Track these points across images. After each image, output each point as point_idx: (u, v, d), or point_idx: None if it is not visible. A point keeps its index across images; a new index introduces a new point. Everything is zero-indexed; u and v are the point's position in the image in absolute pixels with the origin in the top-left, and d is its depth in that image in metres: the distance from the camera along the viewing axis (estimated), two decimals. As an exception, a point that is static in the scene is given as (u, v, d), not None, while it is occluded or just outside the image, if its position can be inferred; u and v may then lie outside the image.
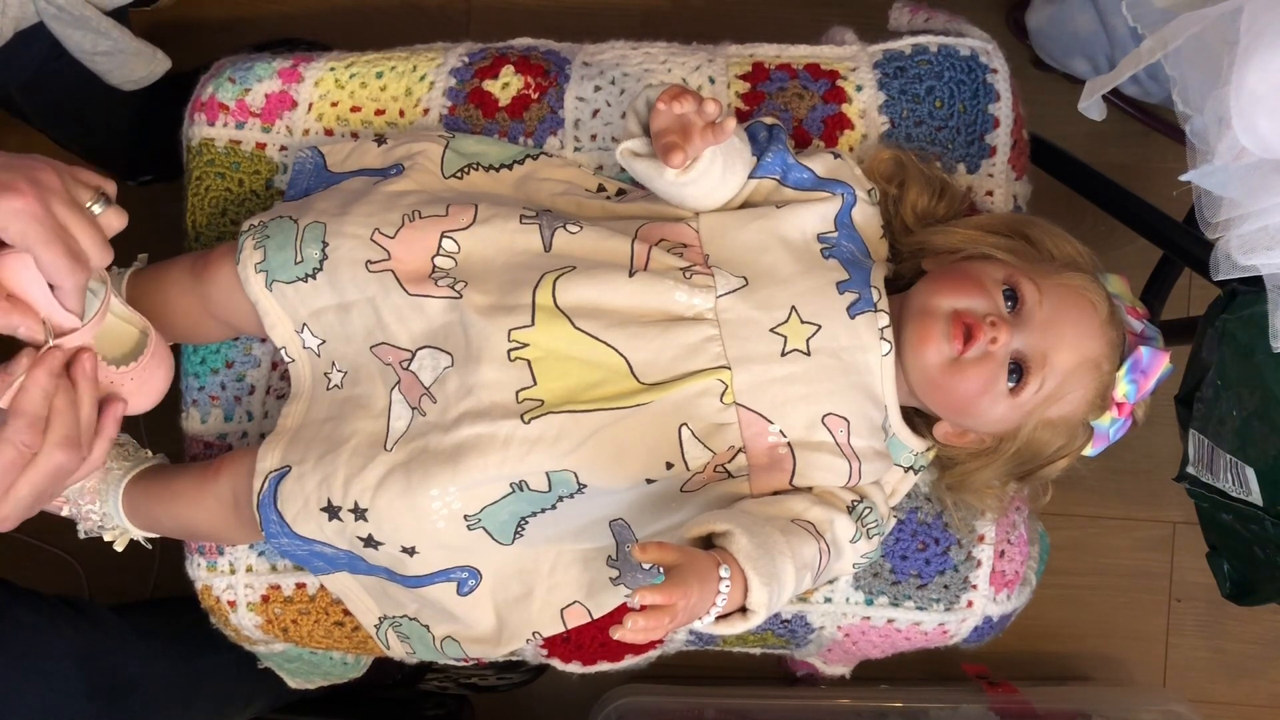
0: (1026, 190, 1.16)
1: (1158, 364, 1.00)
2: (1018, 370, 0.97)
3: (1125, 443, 1.04)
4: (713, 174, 1.00)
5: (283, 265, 1.01)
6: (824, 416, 0.98)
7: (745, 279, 0.99)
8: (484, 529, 0.99)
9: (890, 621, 1.14)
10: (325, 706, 1.52)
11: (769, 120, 1.08)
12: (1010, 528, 1.13)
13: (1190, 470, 1.05)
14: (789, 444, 0.98)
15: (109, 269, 0.92)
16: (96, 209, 0.89)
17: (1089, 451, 1.03)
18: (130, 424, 1.13)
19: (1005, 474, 1.05)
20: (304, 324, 1.03)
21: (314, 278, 1.00)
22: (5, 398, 0.86)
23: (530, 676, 1.61)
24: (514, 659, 1.13)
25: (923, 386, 1.00)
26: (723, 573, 0.86)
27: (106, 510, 1.10)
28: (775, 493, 0.99)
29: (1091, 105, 0.97)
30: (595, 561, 1.03)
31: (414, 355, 1.00)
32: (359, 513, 0.98)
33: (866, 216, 1.05)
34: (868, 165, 1.08)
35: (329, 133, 1.14)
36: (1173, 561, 1.67)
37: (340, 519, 0.99)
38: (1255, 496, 0.98)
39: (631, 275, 0.97)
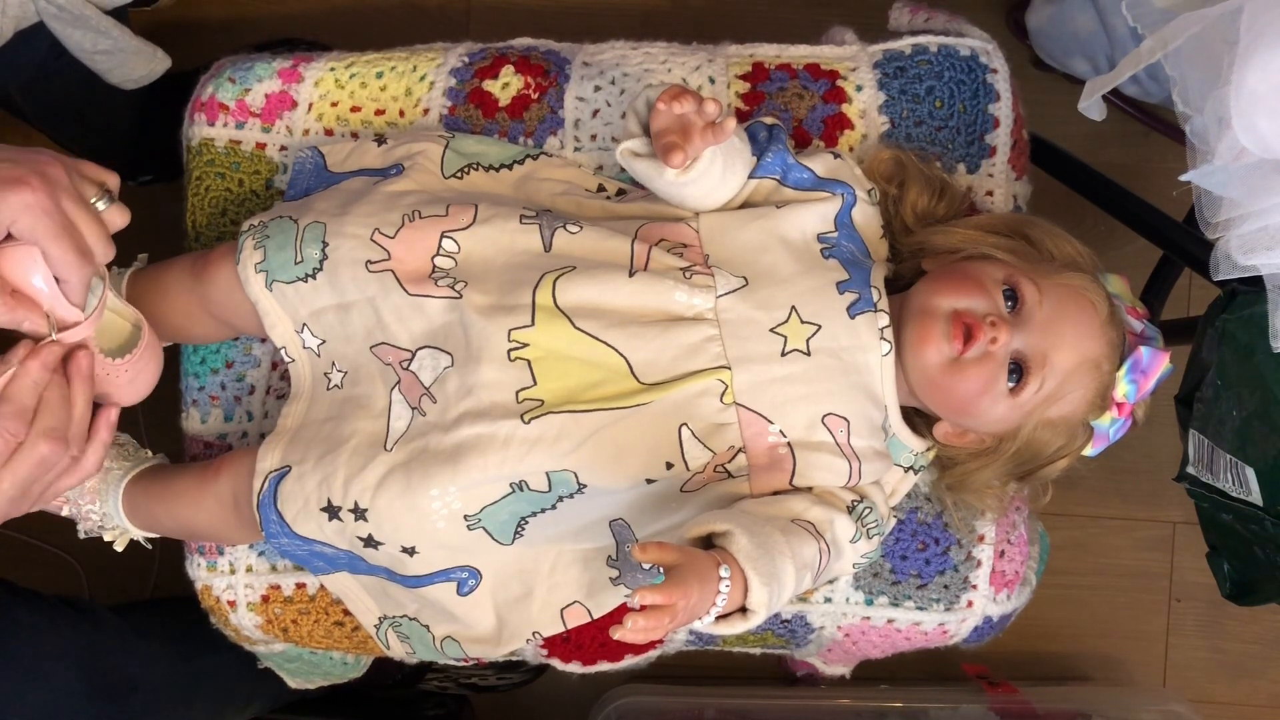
0: (1026, 190, 1.16)
1: (1158, 364, 1.00)
2: (1018, 370, 0.97)
3: (1125, 443, 1.04)
4: (713, 174, 1.00)
5: (283, 265, 1.01)
6: (824, 416, 0.98)
7: (745, 279, 0.99)
8: (484, 529, 0.99)
9: (890, 621, 1.14)
10: (325, 706, 1.52)
11: (769, 120, 1.08)
12: (1010, 528, 1.13)
13: (1190, 470, 1.05)
14: (789, 444, 0.98)
15: (108, 267, 0.93)
16: (101, 205, 0.90)
17: (1089, 451, 1.03)
18: (130, 424, 1.14)
19: (1005, 474, 1.05)
20: (304, 324, 1.03)
21: (314, 278, 1.00)
22: None
23: (530, 676, 1.61)
24: (514, 659, 1.13)
25: (923, 386, 1.00)
26: (723, 573, 0.86)
27: (106, 510, 1.10)
28: (775, 493, 0.99)
29: (1091, 105, 0.97)
30: (595, 561, 1.03)
31: (414, 355, 1.00)
32: (359, 513, 0.98)
33: (866, 216, 1.05)
34: (868, 165, 1.08)
35: (329, 133, 1.15)
36: (1173, 561, 1.67)
37: (340, 519, 0.99)
38: (1255, 496, 0.98)
39: (631, 275, 0.97)
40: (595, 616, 1.05)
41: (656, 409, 0.96)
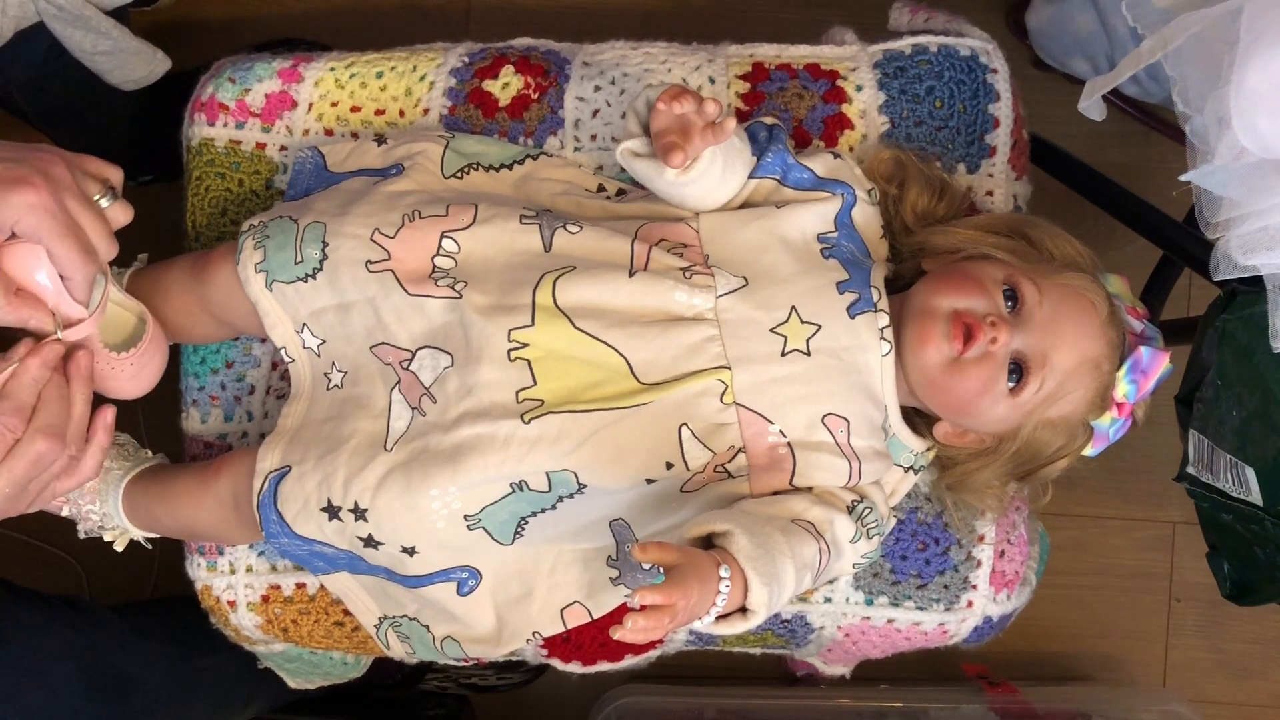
0: (1026, 190, 1.16)
1: (1158, 364, 1.00)
2: (1018, 370, 0.97)
3: (1125, 443, 1.04)
4: (713, 174, 1.00)
5: (283, 265, 1.01)
6: (824, 416, 0.98)
7: (745, 279, 0.99)
8: (484, 529, 0.99)
9: (890, 621, 1.14)
10: (325, 706, 1.52)
11: (769, 120, 1.08)
12: (1010, 528, 1.13)
13: (1190, 470, 1.05)
14: (789, 444, 0.98)
15: (109, 265, 0.93)
16: (104, 203, 0.90)
17: (1089, 451, 1.03)
18: (130, 424, 1.14)
19: (1005, 474, 1.05)
20: (304, 324, 1.03)
21: (314, 278, 1.00)
22: None
23: (530, 676, 1.61)
24: (514, 659, 1.13)
25: (923, 386, 1.00)
26: (723, 573, 0.86)
27: (106, 510, 1.10)
28: (775, 493, 0.99)
29: (1091, 105, 0.97)
30: (595, 561, 1.03)
31: (414, 355, 1.00)
32: (359, 513, 0.98)
33: (866, 216, 1.05)
34: (868, 165, 1.08)
35: (329, 133, 1.15)
36: (1173, 561, 1.67)
37: (340, 519, 0.99)
38: (1255, 496, 0.98)
39: (631, 275, 0.97)
40: (595, 616, 1.05)
41: (656, 409, 0.96)
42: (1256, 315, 0.93)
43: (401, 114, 1.14)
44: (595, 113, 1.13)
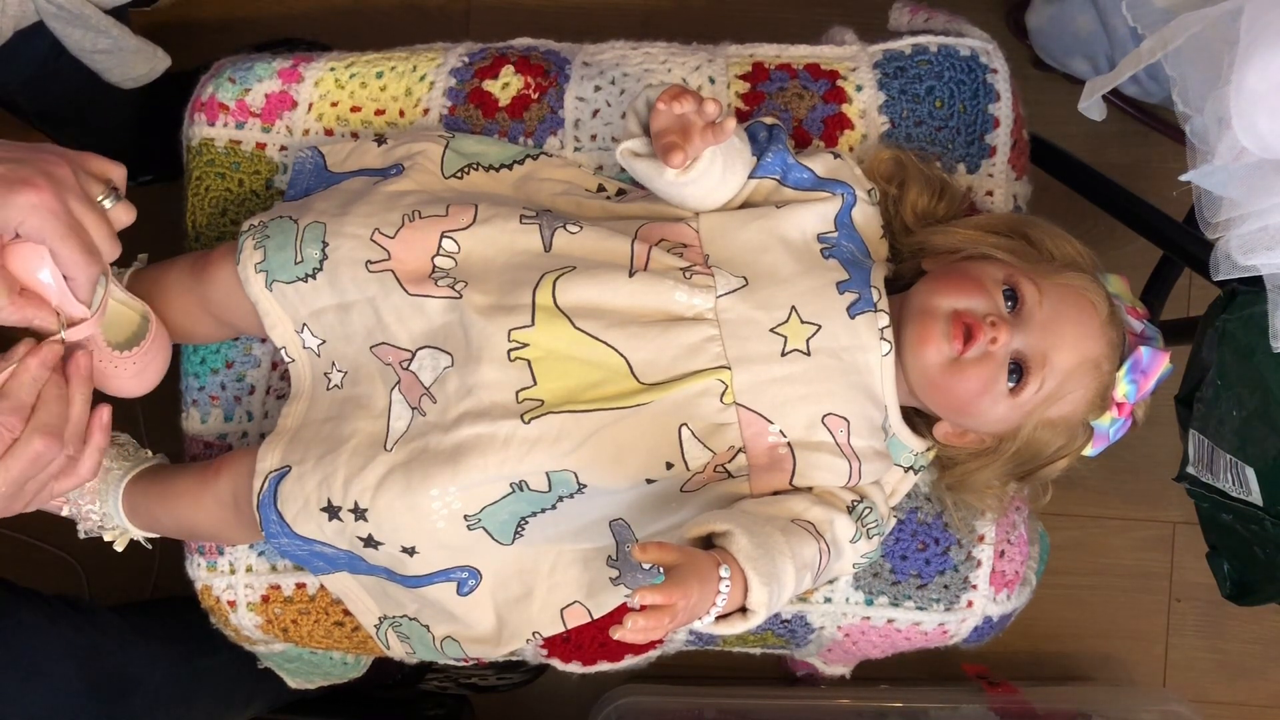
0: (1026, 190, 1.16)
1: (1158, 364, 1.00)
2: (1018, 370, 0.97)
3: (1125, 443, 1.04)
4: (713, 174, 1.00)
5: (283, 265, 1.01)
6: (824, 416, 0.98)
7: (745, 279, 0.99)
8: (484, 529, 0.99)
9: (890, 621, 1.14)
10: (325, 706, 1.51)
11: (769, 120, 1.08)
12: (1010, 528, 1.13)
13: (1190, 470, 1.05)
14: (789, 444, 0.98)
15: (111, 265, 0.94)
16: (107, 203, 0.91)
17: (1089, 451, 1.03)
18: (130, 424, 1.14)
19: (1005, 474, 1.05)
20: (304, 324, 1.03)
21: (314, 278, 1.00)
22: None
23: (530, 676, 1.61)
24: (514, 659, 1.13)
25: (923, 386, 1.00)
26: (723, 573, 0.86)
27: (106, 510, 1.10)
28: (775, 493, 0.99)
29: (1091, 105, 0.97)
30: (595, 561, 1.03)
31: (414, 355, 1.00)
32: (359, 513, 0.98)
33: (866, 216, 1.05)
34: (868, 165, 1.08)
35: (329, 133, 1.15)
36: (1173, 561, 1.67)
37: (340, 519, 0.99)
38: (1255, 496, 0.98)
39: (631, 275, 0.97)
40: (595, 616, 1.05)
41: (656, 409, 0.96)
42: (1256, 315, 0.93)
43: (401, 114, 1.14)
44: (595, 113, 1.13)
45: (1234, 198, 0.89)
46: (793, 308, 0.98)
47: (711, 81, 1.14)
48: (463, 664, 1.24)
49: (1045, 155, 1.25)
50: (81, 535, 1.13)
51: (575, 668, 1.15)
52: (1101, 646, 1.67)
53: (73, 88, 1.25)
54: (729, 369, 0.96)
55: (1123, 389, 1.00)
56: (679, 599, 0.81)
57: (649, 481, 0.97)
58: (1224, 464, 1.00)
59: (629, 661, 1.16)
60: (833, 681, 1.36)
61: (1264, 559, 1.03)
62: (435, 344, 0.99)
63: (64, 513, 1.11)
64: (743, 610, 0.88)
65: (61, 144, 1.40)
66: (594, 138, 1.13)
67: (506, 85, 1.14)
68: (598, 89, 1.14)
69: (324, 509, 0.99)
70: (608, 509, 1.00)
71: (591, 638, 1.12)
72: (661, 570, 0.83)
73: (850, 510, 1.00)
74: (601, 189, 1.09)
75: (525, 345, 0.96)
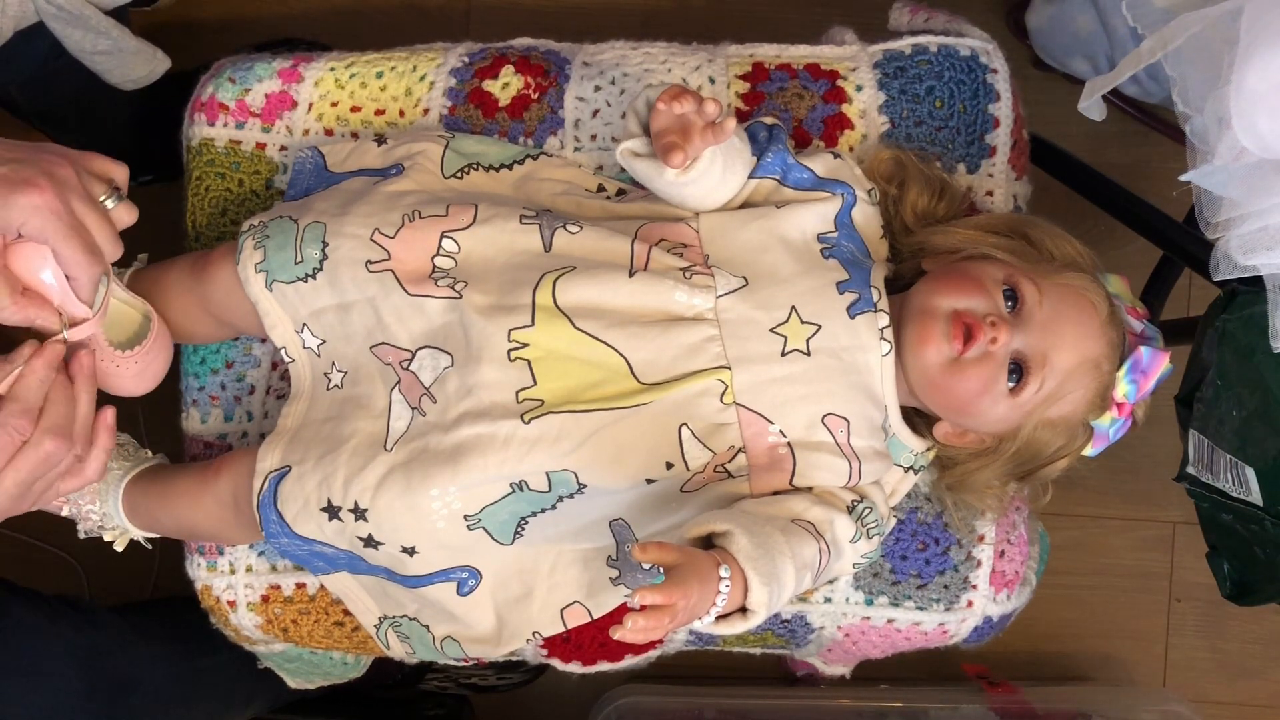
0: (1026, 190, 1.16)
1: (1158, 364, 1.00)
2: (1018, 370, 0.97)
3: (1125, 443, 1.04)
4: (713, 174, 1.00)
5: (283, 265, 1.01)
6: (824, 416, 0.98)
7: (745, 279, 0.99)
8: (484, 529, 0.99)
9: (890, 621, 1.14)
10: (325, 706, 1.51)
11: (769, 120, 1.08)
12: (1010, 528, 1.13)
13: (1190, 470, 1.05)
14: (789, 444, 0.98)
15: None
16: (110, 204, 0.91)
17: (1089, 451, 1.03)
18: (130, 424, 1.14)
19: (1005, 474, 1.05)
20: (304, 324, 1.03)
21: (314, 278, 1.00)
22: (4, 384, 0.87)
23: (530, 676, 1.61)
24: (514, 659, 1.13)
25: (923, 386, 1.00)
26: (723, 573, 0.86)
27: (106, 510, 1.10)
28: (775, 493, 0.99)
29: (1091, 105, 0.97)
30: (595, 561, 1.03)
31: (414, 355, 1.00)
32: (359, 513, 0.98)
33: (866, 216, 1.05)
34: (868, 165, 1.08)
35: (329, 133, 1.15)
36: (1173, 561, 1.67)
37: (340, 519, 0.99)
38: (1255, 496, 0.98)
39: (631, 275, 0.97)
40: (595, 616, 1.05)
41: (656, 409, 0.96)
42: (1256, 315, 0.93)
43: (401, 114, 1.14)
44: (595, 113, 1.13)
45: (1234, 198, 0.89)
46: (793, 308, 0.98)
47: (711, 81, 1.14)
48: (463, 664, 1.24)
49: (1045, 155, 1.25)
50: (81, 535, 1.13)
51: (575, 668, 1.15)
52: (1101, 646, 1.67)
53: (73, 88, 1.25)
54: (729, 369, 0.96)
55: (1123, 389, 1.00)
56: (679, 599, 0.81)
57: (649, 481, 0.97)
58: (1224, 464, 1.00)
59: (629, 661, 1.16)
60: (833, 681, 1.36)
61: (1264, 559, 1.03)
62: (435, 344, 0.99)
63: (64, 513, 1.11)
64: (743, 610, 0.88)
65: (61, 144, 1.41)
66: (594, 138, 1.13)
67: (506, 85, 1.14)
68: (598, 89, 1.14)
69: (324, 509, 0.99)
70: (608, 509, 1.00)
71: (591, 638, 1.12)
72: (661, 570, 0.83)
73: (850, 510, 1.00)
74: (601, 189, 1.09)
75: (525, 345, 0.96)
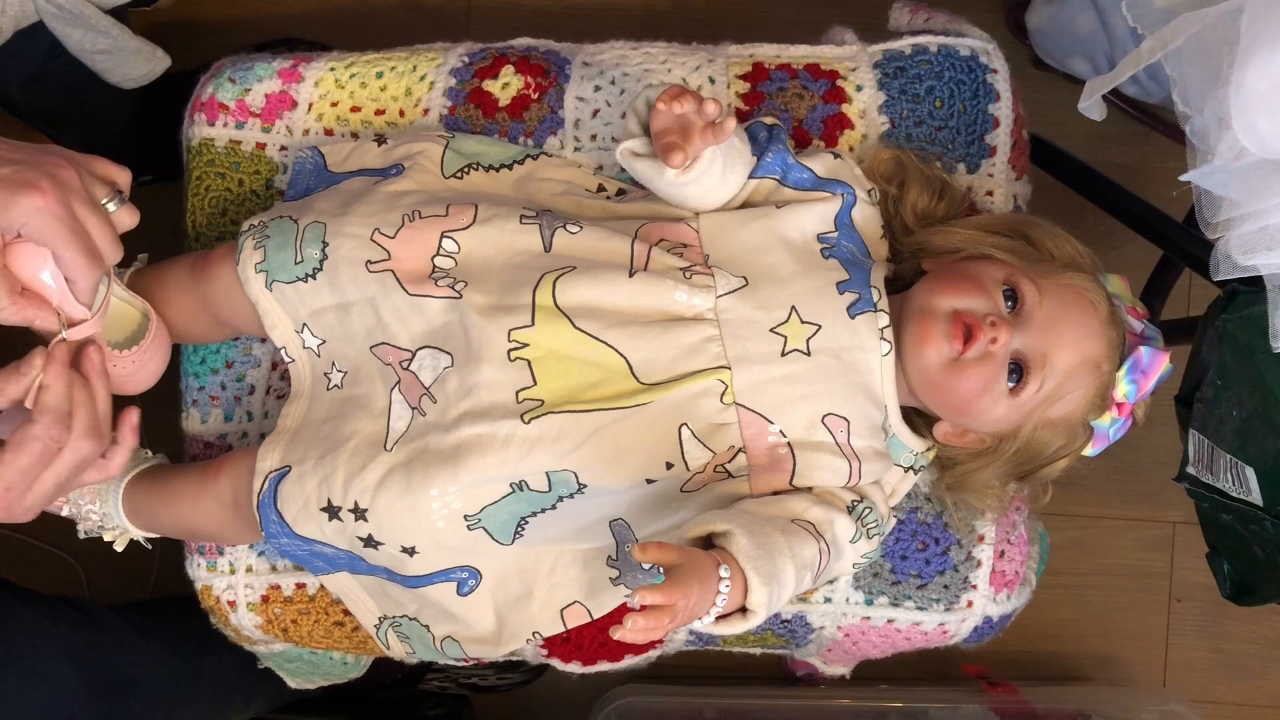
0: (1026, 190, 1.16)
1: (1158, 364, 1.00)
2: (1018, 370, 0.97)
3: (1125, 443, 1.04)
4: (713, 174, 1.00)
5: (283, 265, 1.01)
6: (824, 416, 0.98)
7: (745, 279, 0.99)
8: (484, 529, 0.99)
9: (890, 621, 1.14)
10: (325, 706, 1.52)
11: (769, 120, 1.08)
12: (1010, 528, 1.13)
13: (1190, 470, 1.05)
14: (789, 444, 0.98)
15: None
16: (111, 207, 0.91)
17: (1089, 451, 1.03)
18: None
19: (1005, 474, 1.05)
20: (304, 324, 1.03)
21: (314, 278, 1.00)
22: (30, 397, 0.88)
23: (530, 676, 1.61)
24: (514, 659, 1.13)
25: (923, 386, 1.00)
26: (723, 573, 0.86)
27: (106, 510, 1.10)
28: (775, 493, 0.99)
29: (1091, 105, 0.97)
30: (595, 561, 1.03)
31: (414, 355, 1.00)
32: (359, 513, 0.98)
33: (866, 216, 1.05)
34: (868, 165, 1.08)
35: (329, 133, 1.15)
36: (1173, 561, 1.67)
37: (340, 519, 0.99)
38: (1255, 496, 0.98)
39: (631, 275, 0.97)
40: (595, 616, 1.05)
41: (656, 409, 0.96)
42: (1256, 315, 0.93)
43: (401, 114, 1.14)
44: (595, 113, 1.13)
45: (1234, 198, 0.89)
46: (793, 308, 0.98)
47: (711, 81, 1.14)
48: (463, 664, 1.24)
49: (1045, 155, 1.25)
50: (81, 535, 1.13)
51: (575, 668, 1.15)
52: (1101, 646, 1.67)
53: (73, 88, 1.25)
54: (729, 369, 0.96)
55: (1123, 389, 1.00)
56: (679, 599, 0.81)
57: (649, 481, 0.97)
58: (1224, 464, 1.00)
59: (629, 661, 1.16)
60: (833, 681, 1.36)
61: (1264, 559, 1.03)
62: (435, 344, 0.99)
63: (64, 513, 1.11)
64: (743, 610, 0.88)
65: (61, 144, 1.41)
66: (594, 138, 1.13)
67: (506, 85, 1.14)
68: (598, 89, 1.14)
69: (324, 509, 0.99)
70: (608, 509, 1.00)
71: (591, 638, 1.12)
72: (661, 570, 0.83)
73: (850, 510, 1.00)
74: (601, 189, 1.09)
75: (525, 345, 0.96)
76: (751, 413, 0.97)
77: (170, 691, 1.20)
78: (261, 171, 1.15)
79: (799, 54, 1.16)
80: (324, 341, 1.04)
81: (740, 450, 0.98)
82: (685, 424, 0.97)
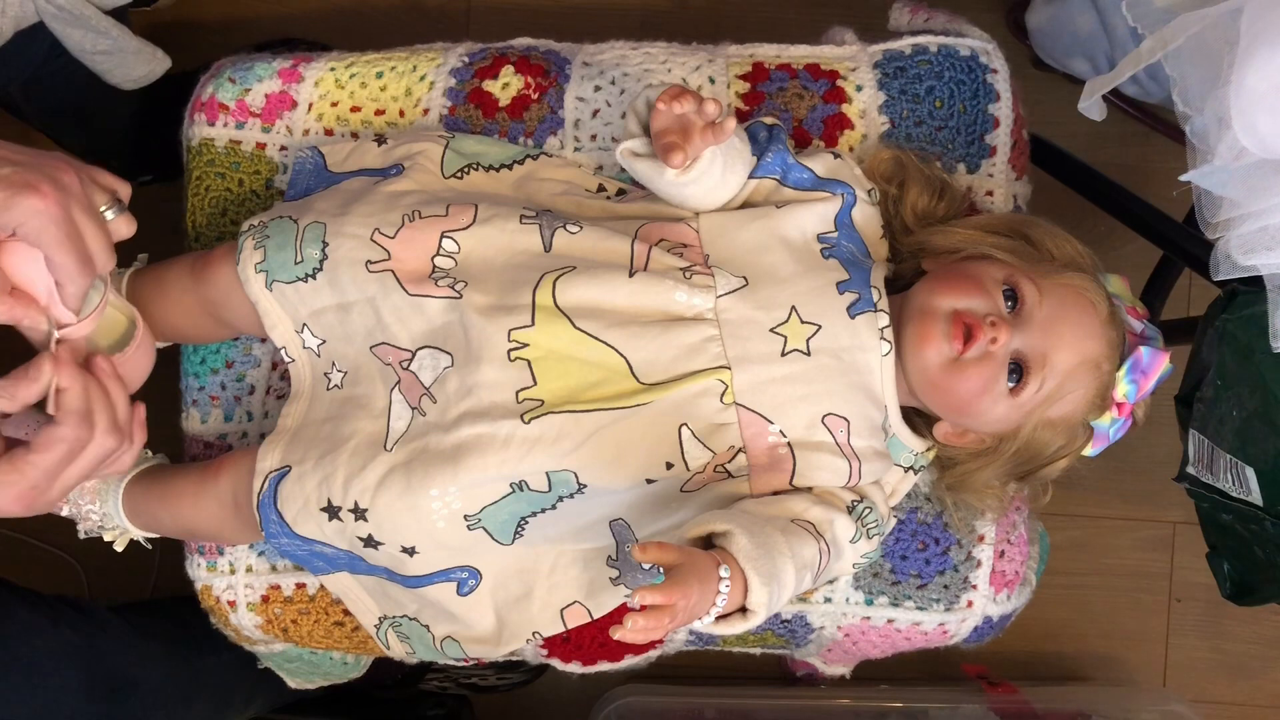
0: (1026, 190, 1.16)
1: (1158, 364, 1.00)
2: (1018, 370, 0.97)
3: (1125, 443, 1.04)
4: (713, 174, 1.00)
5: (283, 265, 1.01)
6: (824, 416, 0.98)
7: (745, 279, 0.99)
8: (484, 529, 0.99)
9: (890, 621, 1.14)
10: (325, 706, 1.51)
11: (769, 120, 1.08)
12: (1010, 528, 1.13)
13: (1190, 470, 1.05)
14: (789, 444, 0.98)
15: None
16: (109, 215, 0.91)
17: (1089, 451, 1.03)
18: (130, 424, 1.13)
19: (1005, 474, 1.05)
20: (304, 324, 1.03)
21: (314, 278, 1.00)
22: (50, 403, 0.89)
23: (530, 676, 1.61)
24: (514, 659, 1.13)
25: (923, 386, 1.00)
26: (723, 573, 0.86)
27: (106, 510, 1.10)
28: (775, 493, 0.99)
29: (1091, 105, 0.97)
30: (595, 561, 1.03)
31: (414, 355, 1.00)
32: (359, 513, 0.98)
33: (866, 216, 1.05)
34: (868, 165, 1.08)
35: (329, 133, 1.15)
36: (1173, 561, 1.67)
37: (340, 519, 0.99)
38: (1255, 496, 0.98)
39: (631, 275, 0.97)
40: (595, 616, 1.05)
41: (656, 409, 0.96)
42: (1256, 315, 0.93)
43: (401, 114, 1.14)
44: (595, 113, 1.13)
45: (1234, 198, 0.89)
46: (793, 308, 0.98)
47: (711, 81, 1.14)
48: (463, 664, 1.24)
49: (1045, 155, 1.25)
50: (81, 535, 1.13)
51: (575, 668, 1.15)
52: (1101, 646, 1.67)
53: (73, 88, 1.25)
54: (729, 369, 0.96)
55: (1123, 389, 1.00)
56: (679, 599, 0.81)
57: (649, 481, 0.97)
58: (1224, 464, 1.00)
59: (629, 661, 1.16)
60: (833, 681, 1.36)
61: (1264, 559, 1.03)
62: (435, 344, 0.99)
63: (64, 513, 1.11)
64: (743, 610, 0.88)
65: (61, 144, 1.42)
66: (594, 138, 1.13)
67: (506, 85, 1.14)
68: (598, 89, 1.14)
69: (324, 509, 0.99)
70: (608, 509, 1.00)
71: (591, 638, 1.12)
72: (661, 570, 0.83)
73: (850, 510, 1.00)
74: (601, 189, 1.09)
75: (525, 345, 0.96)
76: (751, 413, 0.97)
77: (170, 691, 1.20)
78: (261, 171, 1.15)
79: (799, 54, 1.16)
80: (324, 341, 1.04)
81: (740, 450, 0.98)
82: (685, 424, 0.97)
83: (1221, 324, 0.99)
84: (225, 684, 1.28)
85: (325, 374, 1.05)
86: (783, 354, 0.97)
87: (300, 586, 1.13)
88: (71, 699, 1.08)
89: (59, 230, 0.85)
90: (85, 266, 0.87)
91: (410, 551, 0.99)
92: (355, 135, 1.14)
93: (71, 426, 0.89)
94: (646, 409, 0.96)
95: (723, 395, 0.96)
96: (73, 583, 1.60)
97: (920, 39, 1.15)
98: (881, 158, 1.08)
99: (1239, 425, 0.98)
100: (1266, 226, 0.88)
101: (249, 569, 1.13)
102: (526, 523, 1.00)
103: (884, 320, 0.99)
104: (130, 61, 1.20)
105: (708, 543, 0.90)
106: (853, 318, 0.98)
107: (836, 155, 1.07)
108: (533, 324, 0.96)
